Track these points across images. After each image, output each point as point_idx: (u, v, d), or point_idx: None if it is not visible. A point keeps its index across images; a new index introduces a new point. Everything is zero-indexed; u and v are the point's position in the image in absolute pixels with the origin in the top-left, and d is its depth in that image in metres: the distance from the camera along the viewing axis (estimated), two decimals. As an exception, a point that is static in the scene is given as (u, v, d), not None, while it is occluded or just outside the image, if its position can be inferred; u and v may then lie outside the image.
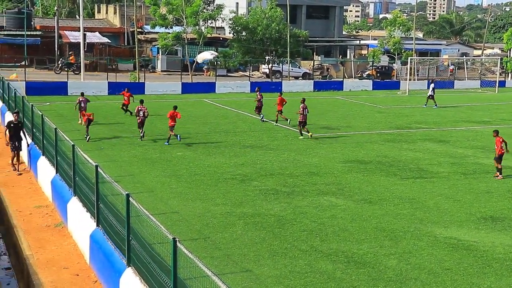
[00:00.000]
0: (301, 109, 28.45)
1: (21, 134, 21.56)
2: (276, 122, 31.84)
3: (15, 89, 28.29)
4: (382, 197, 18.52)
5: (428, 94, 42.28)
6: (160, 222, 10.25)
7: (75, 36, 60.41)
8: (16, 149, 21.36)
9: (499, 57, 67.46)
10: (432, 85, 42.89)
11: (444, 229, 15.64)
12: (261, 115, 33.30)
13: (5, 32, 62.60)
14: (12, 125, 21.50)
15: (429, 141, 28.21)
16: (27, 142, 21.85)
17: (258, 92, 34.13)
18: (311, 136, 28.21)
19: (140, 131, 26.57)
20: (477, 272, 12.90)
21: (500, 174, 21.34)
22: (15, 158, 21.61)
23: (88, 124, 26.67)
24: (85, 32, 52.55)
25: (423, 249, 14.14)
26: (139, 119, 26.50)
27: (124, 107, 33.39)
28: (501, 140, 21.19)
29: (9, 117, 27.97)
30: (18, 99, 26.63)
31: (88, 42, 59.51)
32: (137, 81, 49.27)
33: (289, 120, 31.32)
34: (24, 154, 22.84)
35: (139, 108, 26.61)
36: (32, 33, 63.15)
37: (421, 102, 44.67)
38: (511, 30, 73.37)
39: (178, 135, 26.07)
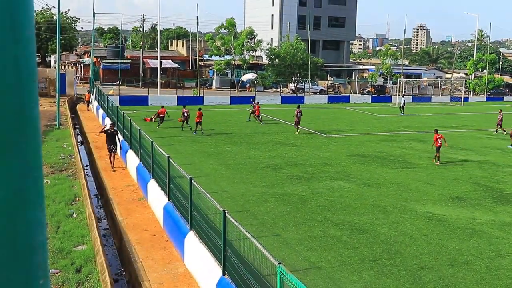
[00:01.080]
0: (296, 113, 29.14)
1: (116, 140, 20.23)
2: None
3: (112, 101, 28.72)
4: (377, 182, 18.24)
5: (401, 105, 42.35)
6: (214, 198, 10.27)
7: (154, 62, 61.08)
8: (111, 151, 20.15)
9: (464, 79, 66.01)
10: (403, 98, 43.13)
11: (422, 206, 15.34)
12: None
13: (106, 61, 63.62)
14: (109, 132, 20.33)
15: (413, 140, 27.67)
16: (120, 146, 20.46)
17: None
18: (298, 133, 28.69)
19: (182, 125, 28.32)
20: (445, 237, 12.63)
21: (438, 161, 21.71)
22: (111, 157, 20.26)
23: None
24: (161, 60, 53.04)
25: (407, 221, 13.89)
26: (184, 119, 28.37)
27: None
28: (438, 137, 21.74)
29: (107, 121, 28.47)
30: (113, 108, 27.02)
31: (164, 67, 60.09)
32: (198, 95, 49.54)
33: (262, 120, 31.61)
34: (119, 155, 21.44)
35: (183, 111, 28.55)
36: (124, 61, 64.06)
37: (406, 112, 43.90)
38: (472, 60, 72.07)
39: (195, 130, 27.44)
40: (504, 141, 28.62)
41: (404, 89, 63.19)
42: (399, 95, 53.42)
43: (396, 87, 55.63)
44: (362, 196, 16.34)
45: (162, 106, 31.78)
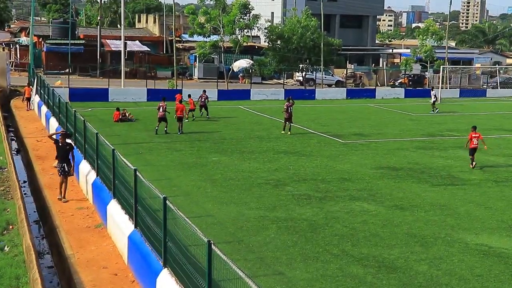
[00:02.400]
0: (285, 107, 30.67)
1: (70, 157, 18.74)
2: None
3: (59, 95, 28.74)
4: (413, 203, 18.32)
5: (432, 101, 43.05)
6: (196, 225, 10.28)
7: (116, 44, 61.20)
8: (63, 173, 18.41)
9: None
10: (433, 92, 43.77)
11: (475, 236, 15.40)
12: None
13: (51, 41, 63.71)
14: (59, 144, 18.75)
15: (461, 148, 27.75)
16: (72, 166, 18.92)
17: None
18: (288, 133, 30.45)
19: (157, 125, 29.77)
20: (508, 279, 12.67)
21: (473, 163, 23.57)
22: (63, 183, 18.51)
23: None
24: (126, 41, 53.21)
25: (454, 255, 13.94)
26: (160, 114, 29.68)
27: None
28: (474, 135, 23.66)
29: (54, 123, 28.49)
30: (61, 105, 27.05)
31: (129, 50, 60.24)
32: (175, 88, 49.65)
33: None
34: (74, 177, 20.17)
35: (160, 105, 29.74)
36: (76, 41, 64.16)
37: (453, 110, 44.12)
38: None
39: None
40: None
41: (450, 79, 63.67)
42: (442, 88, 53.72)
43: (438, 77, 55.94)
44: (393, 222, 16.39)
45: (163, 99, 31.24)
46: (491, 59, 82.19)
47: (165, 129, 29.71)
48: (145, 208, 13.00)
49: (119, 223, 14.42)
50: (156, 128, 29.80)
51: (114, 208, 15.25)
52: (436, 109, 42.74)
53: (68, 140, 19.70)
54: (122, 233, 13.94)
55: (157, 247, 11.86)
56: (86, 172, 19.30)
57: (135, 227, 13.44)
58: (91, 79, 57.28)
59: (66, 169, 18.38)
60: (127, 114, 34.40)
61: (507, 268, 13.28)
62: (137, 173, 13.16)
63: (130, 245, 13.21)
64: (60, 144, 18.71)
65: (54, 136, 20.11)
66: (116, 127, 31.15)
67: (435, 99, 43.09)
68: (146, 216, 12.89)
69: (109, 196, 16.05)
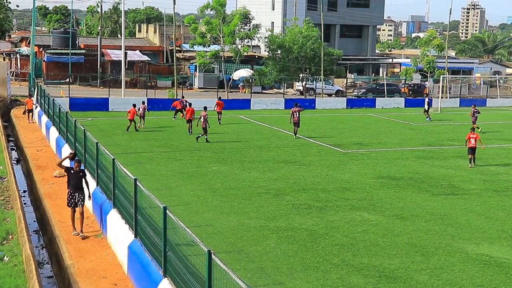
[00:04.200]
0: (291, 112, 32.32)
1: (83, 184, 16.27)
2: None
3: (59, 105, 28.79)
4: (414, 213, 18.31)
5: (425, 108, 43.74)
6: (196, 235, 10.29)
7: (116, 54, 61.29)
8: (75, 204, 16.05)
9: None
10: (427, 100, 44.68)
11: (475, 246, 15.38)
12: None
13: (52, 51, 63.85)
14: (72, 171, 16.17)
15: (461, 158, 27.78)
16: (90, 195, 16.69)
17: None
18: (294, 137, 32.14)
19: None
20: (509, 289, 12.65)
21: (472, 162, 25.49)
22: (75, 214, 16.20)
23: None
24: (126, 51, 53.32)
25: (455, 265, 13.92)
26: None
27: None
28: (472, 136, 25.56)
29: (54, 133, 28.50)
30: (62, 115, 27.10)
31: (129, 60, 60.36)
32: (175, 97, 49.69)
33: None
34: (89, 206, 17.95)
35: (202, 114, 30.46)
36: (76, 51, 64.30)
37: (454, 119, 44.16)
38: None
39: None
40: None
41: (450, 89, 63.75)
42: (442, 97, 53.83)
43: (439, 87, 56.03)
44: (393, 232, 16.38)
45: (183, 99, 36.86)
46: (491, 68, 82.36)
47: (206, 137, 30.05)
48: (145, 218, 13.00)
49: (119, 233, 14.42)
50: (199, 136, 30.11)
51: (114, 217, 15.24)
52: (428, 118, 43.31)
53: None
54: (122, 242, 13.93)
55: (157, 257, 11.85)
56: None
57: (135, 237, 13.43)
58: (91, 88, 57.37)
59: (77, 199, 15.97)
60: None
61: (508, 278, 13.25)
62: (137, 182, 13.17)
63: (130, 255, 13.19)
64: (72, 171, 16.10)
65: (64, 163, 17.28)
66: (116, 137, 31.15)
67: (428, 107, 43.74)
68: (146, 225, 12.88)
69: (109, 205, 16.04)
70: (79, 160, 16.62)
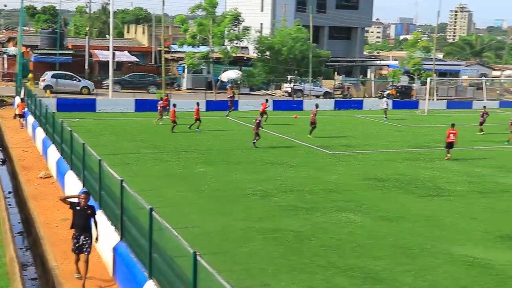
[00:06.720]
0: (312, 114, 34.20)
1: (92, 224, 13.14)
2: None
3: (46, 106, 28.64)
4: (399, 214, 18.39)
5: (384, 108, 45.38)
6: (182, 236, 10.27)
7: (105, 55, 60.98)
8: (81, 248, 12.96)
9: (518, 78, 66.76)
10: (384, 100, 47.05)
11: (460, 247, 15.48)
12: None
13: (39, 51, 63.47)
14: (77, 208, 13.06)
15: (448, 160, 27.94)
16: (97, 237, 13.39)
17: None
18: (308, 136, 33.46)
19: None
20: (492, 290, 12.73)
21: (448, 154, 27.77)
22: (80, 259, 13.15)
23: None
24: (114, 51, 53.13)
25: (439, 267, 14.00)
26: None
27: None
28: (452, 131, 27.66)
29: (41, 134, 28.32)
30: (48, 116, 26.95)
31: (117, 61, 60.09)
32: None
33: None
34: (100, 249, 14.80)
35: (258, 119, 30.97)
36: (64, 51, 63.96)
37: (440, 121, 44.33)
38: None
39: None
40: None
41: (437, 91, 64.07)
42: (429, 99, 54.08)
43: (426, 89, 56.27)
44: (379, 233, 16.44)
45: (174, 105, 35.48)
46: (478, 71, 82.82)
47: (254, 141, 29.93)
48: (131, 219, 12.96)
49: (105, 234, 14.35)
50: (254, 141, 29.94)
51: (100, 219, 15.15)
52: (386, 117, 44.52)
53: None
54: (108, 244, 13.87)
55: (143, 258, 11.82)
56: (72, 183, 19.22)
57: (121, 238, 13.39)
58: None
59: (82, 243, 12.94)
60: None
61: (492, 279, 13.34)
62: (124, 183, 13.13)
63: (116, 257, 13.15)
64: (78, 208, 13.03)
65: (71, 199, 13.65)
66: (103, 138, 31.03)
67: (386, 107, 45.22)
68: (132, 227, 12.85)
69: (95, 207, 15.94)
70: (88, 192, 13.70)
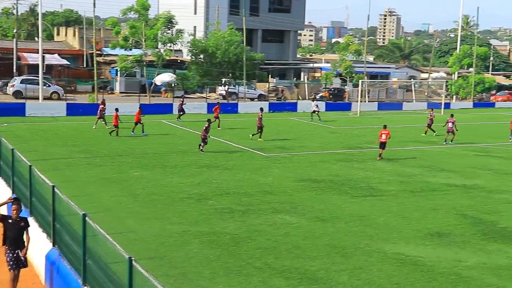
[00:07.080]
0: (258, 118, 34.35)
1: (25, 238, 12.17)
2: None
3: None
4: (334, 214, 18.66)
5: (312, 110, 46.56)
6: (117, 242, 10.11)
7: (34, 58, 59.53)
8: (16, 265, 12.08)
9: (445, 80, 68.90)
10: (314, 103, 47.92)
11: (393, 245, 15.84)
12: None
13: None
14: (10, 221, 12.07)
15: (379, 160, 28.59)
16: (26, 250, 12.19)
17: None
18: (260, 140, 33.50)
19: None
20: (423, 286, 13.09)
21: (380, 156, 28.69)
22: (15, 278, 12.16)
23: None
24: (44, 54, 51.88)
25: (373, 265, 14.28)
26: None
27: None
28: (384, 132, 28.74)
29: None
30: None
31: (47, 64, 58.71)
32: (96, 102, 48.72)
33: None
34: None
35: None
36: (-10, 54, 62.02)
37: (372, 123, 45.36)
38: (456, 54, 75.18)
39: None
40: (494, 159, 30.20)
41: (368, 93, 65.53)
42: (361, 101, 55.25)
43: (358, 91, 57.45)
44: (314, 234, 16.63)
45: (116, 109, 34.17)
46: (407, 73, 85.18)
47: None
48: (64, 226, 12.67)
49: (36, 242, 13.96)
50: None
51: (31, 226, 14.75)
52: (311, 119, 46.09)
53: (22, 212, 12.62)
54: (40, 252, 13.51)
55: (76, 266, 11.57)
56: (1, 190, 18.63)
57: (53, 246, 13.06)
58: (6, 93, 55.37)
59: (17, 260, 12.03)
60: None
61: (422, 276, 13.72)
62: (55, 189, 12.82)
63: (47, 264, 12.82)
64: (11, 221, 11.99)
65: (2, 209, 13.04)
66: (33, 143, 30.21)
67: (317, 110, 46.39)
68: (65, 234, 12.56)
69: (25, 214, 15.52)
70: (19, 202, 12.32)
